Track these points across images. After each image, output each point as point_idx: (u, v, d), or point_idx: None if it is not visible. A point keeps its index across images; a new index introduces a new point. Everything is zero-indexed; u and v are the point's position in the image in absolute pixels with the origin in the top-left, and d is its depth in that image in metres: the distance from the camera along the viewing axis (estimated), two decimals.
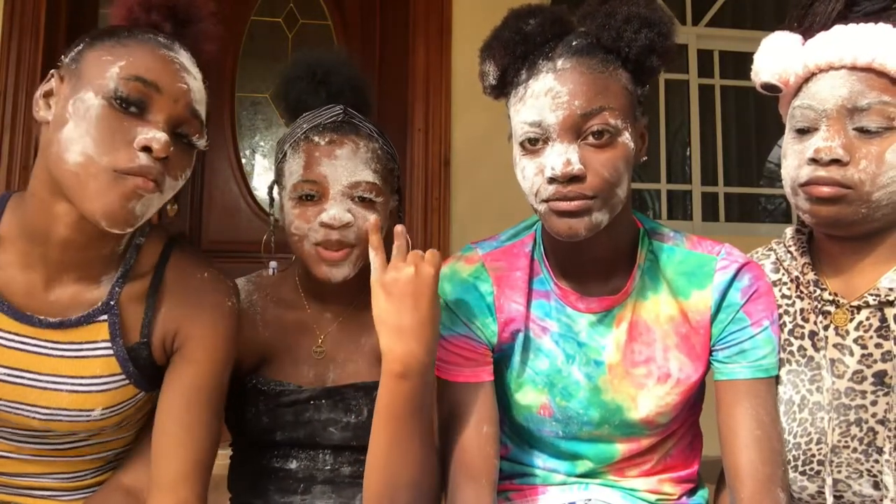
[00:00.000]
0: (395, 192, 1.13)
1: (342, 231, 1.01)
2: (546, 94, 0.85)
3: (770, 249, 1.06)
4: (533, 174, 0.87)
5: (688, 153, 3.17)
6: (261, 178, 2.88)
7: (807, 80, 0.93)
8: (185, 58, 0.89)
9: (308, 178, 1.03)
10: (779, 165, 3.44)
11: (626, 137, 0.86)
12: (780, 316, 0.99)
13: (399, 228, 0.92)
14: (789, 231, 1.06)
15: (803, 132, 0.93)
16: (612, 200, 0.86)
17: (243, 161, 2.88)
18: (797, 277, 0.99)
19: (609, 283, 0.96)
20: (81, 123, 0.79)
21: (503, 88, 0.92)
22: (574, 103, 0.84)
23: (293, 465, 1.08)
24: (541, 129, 0.85)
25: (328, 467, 1.08)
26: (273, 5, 2.91)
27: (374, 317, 0.88)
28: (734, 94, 3.30)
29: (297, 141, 1.05)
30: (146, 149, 0.81)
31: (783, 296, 0.99)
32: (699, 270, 0.95)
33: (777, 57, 0.96)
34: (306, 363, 1.10)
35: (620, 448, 0.98)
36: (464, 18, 2.76)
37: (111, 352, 0.90)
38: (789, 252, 1.02)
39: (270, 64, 2.89)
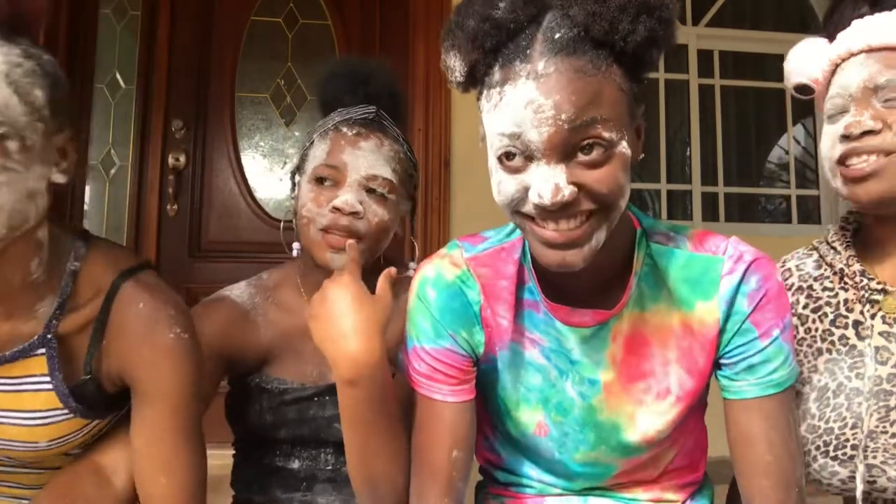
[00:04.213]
0: (409, 199, 1.15)
1: (351, 219, 1.02)
2: (526, 107, 0.70)
3: (812, 248, 1.08)
4: (513, 190, 0.75)
5: (688, 153, 3.17)
6: (261, 178, 2.87)
7: (833, 73, 0.97)
8: None
9: (329, 163, 1.05)
10: (779, 165, 3.47)
11: (624, 147, 0.73)
12: (821, 307, 0.99)
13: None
14: (832, 227, 1.07)
15: (835, 118, 0.96)
16: (612, 214, 0.75)
17: (243, 161, 2.87)
18: (841, 269, 1.00)
19: (603, 294, 0.86)
20: None
21: (472, 84, 0.79)
22: (560, 117, 0.70)
23: (296, 465, 1.09)
24: (521, 143, 0.72)
25: (329, 467, 1.09)
26: (273, 5, 2.91)
27: (317, 345, 0.90)
28: (734, 94, 3.29)
29: (327, 130, 1.08)
30: None
31: (825, 288, 1.01)
32: (703, 277, 0.85)
33: (805, 58, 1.01)
34: (310, 362, 1.11)
35: (618, 464, 0.94)
36: None
37: (50, 386, 0.85)
38: (832, 248, 1.04)
39: (270, 64, 2.89)
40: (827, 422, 0.92)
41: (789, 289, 1.05)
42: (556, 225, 0.74)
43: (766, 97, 3.35)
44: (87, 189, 2.82)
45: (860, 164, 0.91)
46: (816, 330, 0.99)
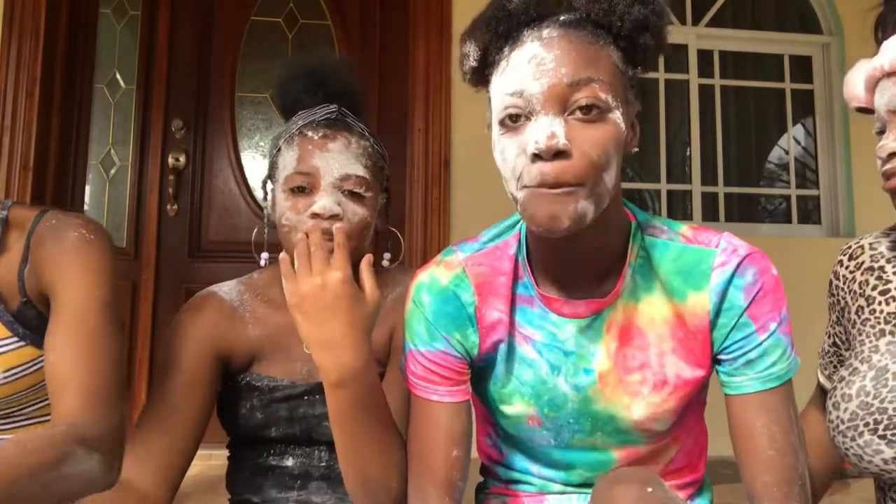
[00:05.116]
0: (383, 191, 1.16)
1: (331, 222, 1.03)
2: (530, 62, 0.78)
3: (891, 229, 1.08)
4: (514, 155, 0.79)
5: (688, 153, 3.17)
6: (261, 177, 2.87)
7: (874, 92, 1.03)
8: None
9: (301, 170, 1.05)
10: (779, 165, 3.47)
11: (618, 116, 0.79)
12: (889, 290, 1.00)
13: (310, 223, 0.95)
14: None
15: (879, 138, 1.00)
16: (598, 188, 0.78)
17: (243, 161, 2.87)
18: None
19: (598, 285, 0.88)
20: None
21: (484, 70, 0.85)
22: (560, 70, 0.77)
23: (289, 462, 1.09)
24: (522, 99, 0.78)
25: (323, 464, 1.09)
26: (273, 5, 2.91)
27: (301, 336, 0.91)
28: (734, 94, 3.30)
29: (292, 136, 1.09)
30: None
31: None
32: (695, 269, 0.86)
33: (855, 84, 1.05)
34: (299, 360, 1.11)
35: (616, 455, 0.94)
36: (464, 18, 2.75)
37: None
38: None
39: (270, 64, 2.89)
40: (882, 401, 0.92)
41: (858, 267, 1.07)
42: (553, 174, 0.77)
43: (766, 97, 3.35)
44: (87, 189, 2.82)
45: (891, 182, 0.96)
46: (882, 312, 1.00)
